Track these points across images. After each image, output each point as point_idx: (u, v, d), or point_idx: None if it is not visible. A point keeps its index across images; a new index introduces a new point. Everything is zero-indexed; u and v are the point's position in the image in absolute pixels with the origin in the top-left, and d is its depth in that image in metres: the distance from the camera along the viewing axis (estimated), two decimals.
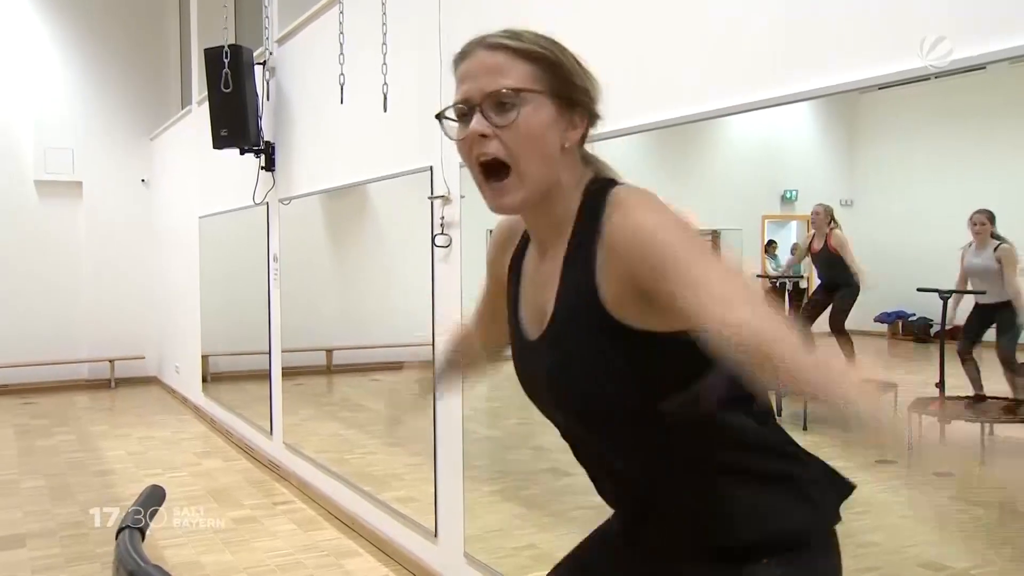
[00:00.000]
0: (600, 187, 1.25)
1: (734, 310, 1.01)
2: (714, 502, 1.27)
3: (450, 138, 1.30)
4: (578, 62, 1.29)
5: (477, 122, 1.22)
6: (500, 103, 1.22)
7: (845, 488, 1.38)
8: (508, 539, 4.21)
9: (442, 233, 4.17)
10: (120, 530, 1.30)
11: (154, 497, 1.45)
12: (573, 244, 1.24)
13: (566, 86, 1.25)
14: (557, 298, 1.26)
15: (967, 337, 5.57)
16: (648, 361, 1.20)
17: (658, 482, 1.30)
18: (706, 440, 1.26)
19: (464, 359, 1.64)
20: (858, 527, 4.74)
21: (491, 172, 1.23)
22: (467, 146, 1.25)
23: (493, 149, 1.22)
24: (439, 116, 1.32)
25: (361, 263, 7.85)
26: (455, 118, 1.28)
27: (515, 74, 1.22)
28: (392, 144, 4.76)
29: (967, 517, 4.73)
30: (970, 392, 5.62)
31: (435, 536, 4.37)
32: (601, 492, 1.44)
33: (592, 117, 1.30)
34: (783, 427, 1.36)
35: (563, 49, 1.28)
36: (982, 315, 5.58)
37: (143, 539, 1.27)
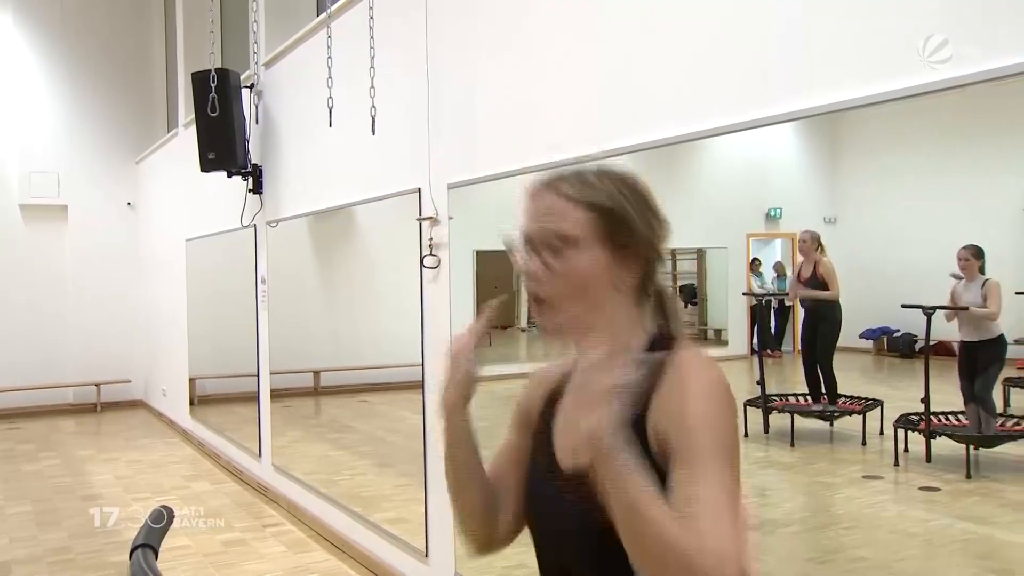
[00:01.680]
0: (667, 337, 1.30)
1: (711, 520, 1.07)
2: None
3: (515, 263, 1.36)
4: (646, 205, 1.33)
5: (532, 263, 1.29)
6: (553, 246, 1.28)
7: None
8: (499, 558, 4.18)
9: (431, 254, 4.19)
10: (134, 549, 1.31)
11: (164, 517, 1.47)
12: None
13: (621, 234, 1.30)
14: None
15: (964, 377, 5.63)
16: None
17: None
18: None
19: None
20: (848, 542, 4.79)
21: (539, 300, 1.31)
22: (524, 280, 1.32)
23: (541, 290, 1.29)
24: (506, 244, 1.38)
25: (349, 285, 7.86)
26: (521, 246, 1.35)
27: (570, 221, 1.28)
28: (380, 166, 4.79)
29: (955, 531, 4.76)
30: (955, 408, 5.67)
31: (426, 556, 4.37)
32: None
33: (651, 260, 1.34)
34: None
35: (632, 191, 1.33)
36: (970, 353, 5.64)
37: (156, 557, 1.29)
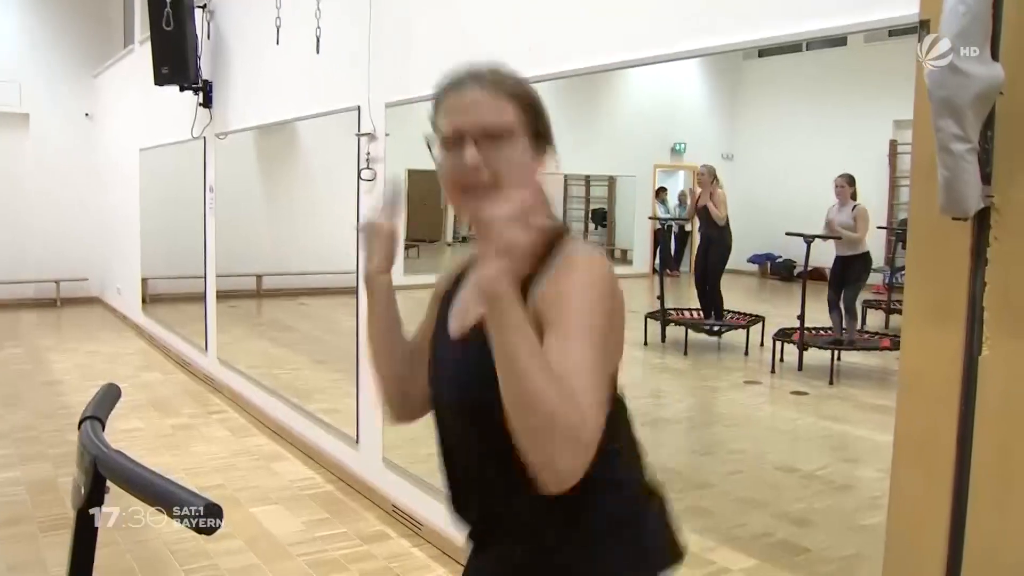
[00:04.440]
0: (559, 234, 1.24)
1: (573, 377, 1.04)
2: (555, 538, 1.23)
3: (436, 162, 1.25)
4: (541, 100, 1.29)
5: (472, 155, 1.18)
6: (491, 137, 1.19)
7: (677, 551, 1.31)
8: (422, 446, 4.20)
9: (367, 168, 4.08)
10: (82, 421, 1.25)
11: (111, 394, 1.41)
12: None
13: (540, 125, 1.25)
14: None
15: (832, 287, 5.96)
16: None
17: (515, 500, 1.22)
18: None
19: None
20: (729, 436, 4.92)
21: (470, 189, 1.21)
22: (456, 173, 1.20)
23: (484, 179, 1.19)
24: (427, 141, 1.26)
25: (291, 195, 7.67)
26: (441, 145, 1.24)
27: (507, 113, 1.21)
28: (323, 84, 4.60)
29: (818, 428, 4.96)
30: (827, 324, 5.88)
31: (356, 443, 4.34)
32: (461, 508, 1.35)
33: (550, 151, 1.29)
34: (641, 459, 1.33)
35: (535, 90, 1.28)
36: (843, 266, 5.95)
37: (103, 429, 1.23)
